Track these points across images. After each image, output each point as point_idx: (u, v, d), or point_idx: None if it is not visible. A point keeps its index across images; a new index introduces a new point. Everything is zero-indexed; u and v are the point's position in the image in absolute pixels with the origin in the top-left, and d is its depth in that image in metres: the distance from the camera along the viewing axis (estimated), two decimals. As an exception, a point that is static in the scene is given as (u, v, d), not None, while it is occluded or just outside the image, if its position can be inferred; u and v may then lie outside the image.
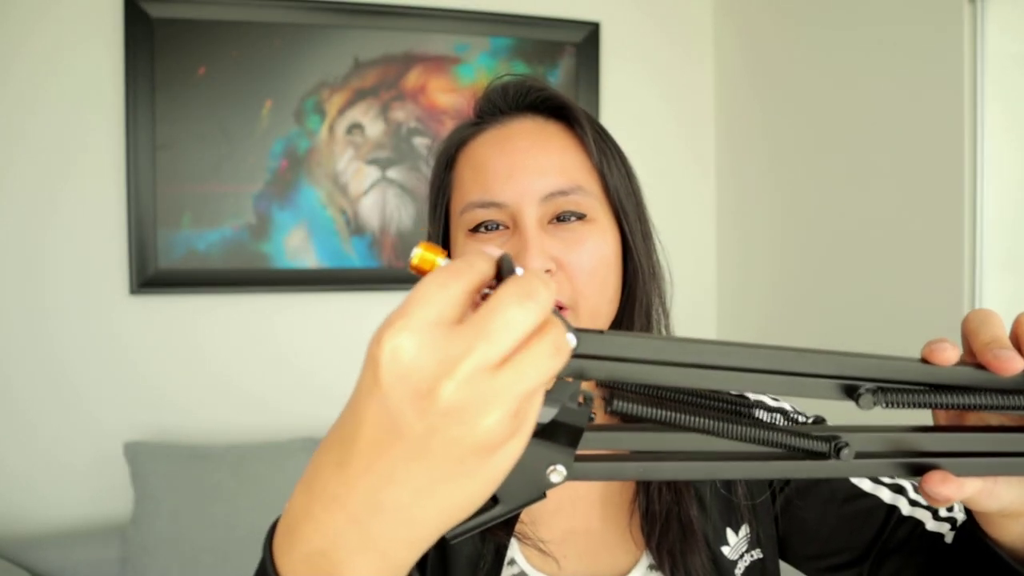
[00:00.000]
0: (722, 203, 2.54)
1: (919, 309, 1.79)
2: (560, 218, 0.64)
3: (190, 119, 2.11)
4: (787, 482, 0.70)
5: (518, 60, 2.35)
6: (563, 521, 0.69)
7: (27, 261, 2.03)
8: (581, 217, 0.64)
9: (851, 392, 0.39)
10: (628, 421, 0.38)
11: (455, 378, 0.30)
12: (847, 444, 0.38)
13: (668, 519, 0.66)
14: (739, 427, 0.38)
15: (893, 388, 0.39)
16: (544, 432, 0.37)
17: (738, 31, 2.46)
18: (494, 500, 0.38)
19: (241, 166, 2.15)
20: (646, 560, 0.67)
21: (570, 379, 0.37)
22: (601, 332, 0.36)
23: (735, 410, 0.39)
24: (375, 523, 0.32)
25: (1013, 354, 0.39)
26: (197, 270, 2.12)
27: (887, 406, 0.39)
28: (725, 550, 0.68)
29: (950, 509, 0.66)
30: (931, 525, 0.65)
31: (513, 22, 2.34)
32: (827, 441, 0.39)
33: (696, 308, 2.46)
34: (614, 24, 2.44)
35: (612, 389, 0.38)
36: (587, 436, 0.38)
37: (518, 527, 0.68)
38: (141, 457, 1.94)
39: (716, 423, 0.38)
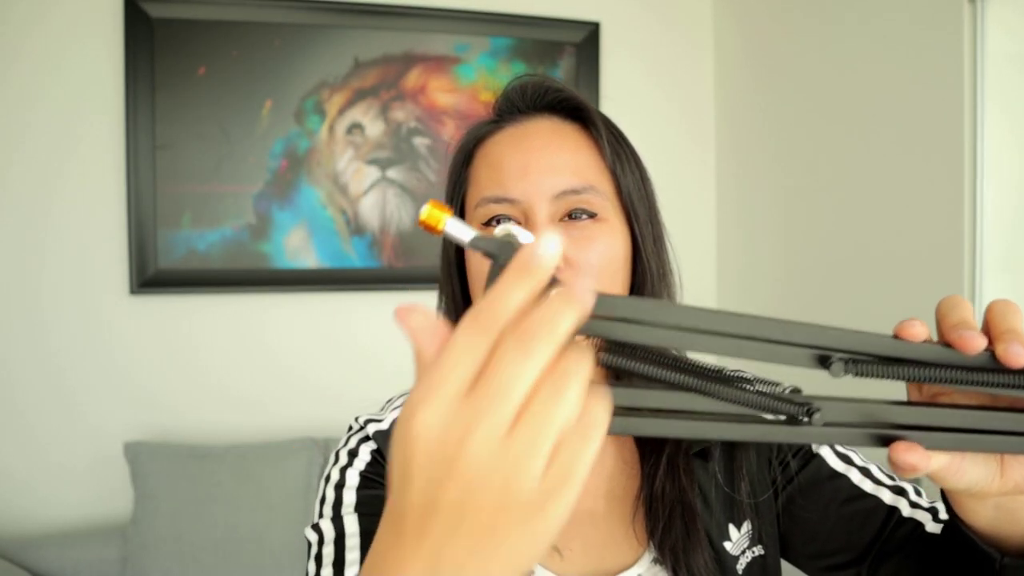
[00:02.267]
0: (722, 203, 2.54)
1: (919, 309, 1.79)
2: (571, 216, 0.65)
3: (190, 119, 2.11)
4: (790, 480, 0.71)
5: (518, 60, 2.35)
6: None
7: (27, 261, 2.03)
8: (592, 216, 0.65)
9: (824, 361, 0.40)
10: (616, 376, 0.39)
11: (471, 449, 0.31)
12: (819, 409, 0.40)
13: (671, 515, 0.66)
14: (719, 385, 0.39)
15: (863, 359, 0.41)
16: None
17: (738, 32, 2.46)
18: None
19: (241, 166, 2.15)
20: (649, 555, 0.67)
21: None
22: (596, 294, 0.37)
23: (715, 375, 0.40)
24: None
25: (977, 334, 0.41)
26: (197, 270, 2.12)
27: (856, 375, 0.41)
28: (727, 545, 0.68)
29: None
30: (931, 527, 0.65)
31: (513, 22, 2.34)
32: (800, 405, 0.40)
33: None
34: (614, 24, 2.44)
35: (601, 344, 0.39)
36: None
37: None
38: (141, 457, 1.94)
39: (698, 380, 0.39)
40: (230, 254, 2.15)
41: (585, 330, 0.38)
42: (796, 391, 0.41)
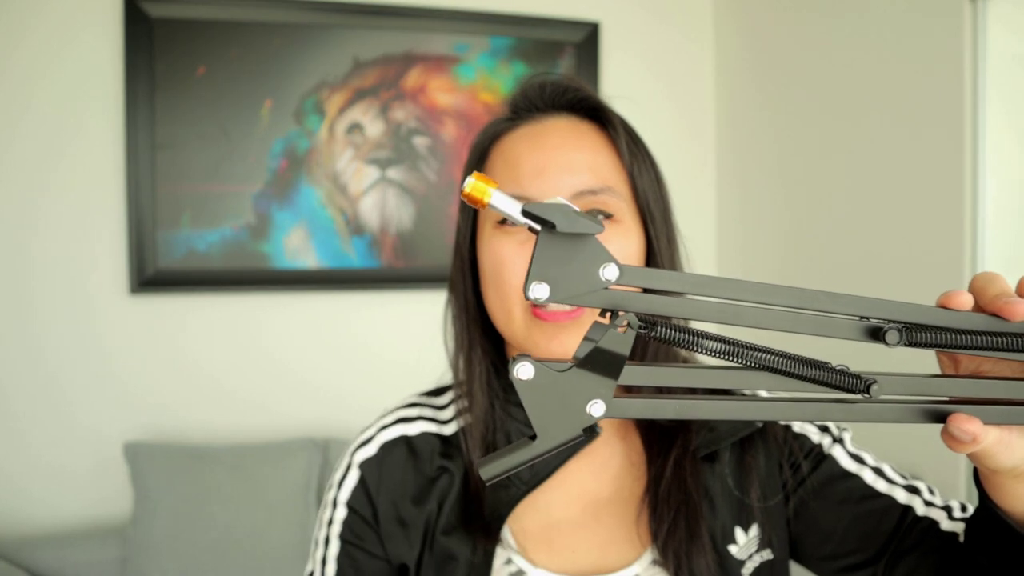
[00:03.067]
0: (722, 204, 2.54)
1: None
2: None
3: (190, 119, 2.11)
4: (801, 482, 0.70)
5: (518, 60, 2.35)
6: (572, 513, 0.70)
7: (27, 261, 2.03)
8: (608, 217, 0.65)
9: (876, 333, 0.40)
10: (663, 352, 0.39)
11: None
12: (875, 381, 0.39)
13: (676, 517, 0.66)
14: (774, 356, 0.39)
15: (917, 328, 0.40)
16: (585, 361, 0.37)
17: (739, 31, 2.46)
18: (532, 437, 0.38)
19: (241, 166, 2.15)
20: (649, 556, 0.67)
21: (608, 314, 0.38)
22: (642, 267, 0.37)
23: (766, 349, 0.39)
24: None
25: (1021, 301, 0.41)
26: (197, 270, 2.12)
27: (910, 344, 0.40)
28: (733, 549, 0.68)
29: (963, 509, 0.66)
30: (946, 525, 0.64)
31: (513, 22, 2.33)
32: (857, 378, 0.40)
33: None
34: (614, 24, 2.44)
35: (651, 319, 0.39)
36: (626, 370, 0.38)
37: (517, 529, 0.68)
38: (141, 457, 1.94)
39: (754, 353, 0.38)
40: (230, 254, 2.15)
41: (634, 305, 0.38)
42: (844, 369, 0.40)
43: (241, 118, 2.14)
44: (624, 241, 0.65)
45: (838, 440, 0.72)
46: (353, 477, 0.72)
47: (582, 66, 2.38)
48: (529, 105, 0.70)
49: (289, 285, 2.20)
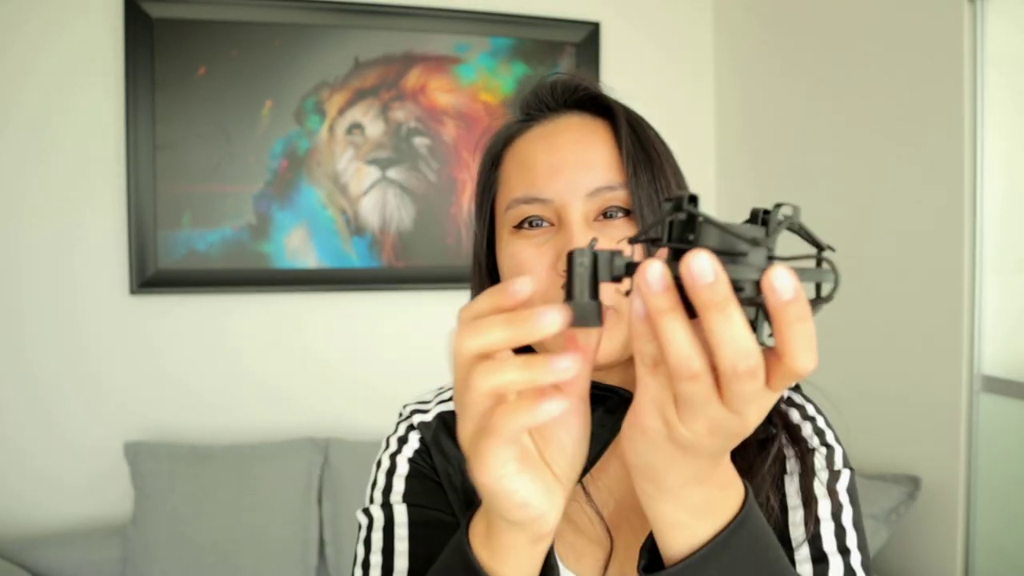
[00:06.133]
0: (722, 206, 2.54)
1: (919, 309, 1.79)
2: (606, 214, 0.63)
3: (190, 119, 2.11)
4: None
5: (518, 60, 2.35)
6: (603, 515, 0.68)
7: (27, 261, 2.03)
8: (628, 213, 0.63)
9: None
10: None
11: None
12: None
13: None
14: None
15: None
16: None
17: (738, 31, 2.46)
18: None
19: (241, 166, 2.15)
20: None
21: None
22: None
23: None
24: None
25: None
26: (197, 270, 2.12)
27: None
28: None
29: None
30: None
31: (513, 22, 2.34)
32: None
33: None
34: (614, 24, 2.44)
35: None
36: None
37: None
38: (141, 457, 1.94)
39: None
40: (230, 254, 2.15)
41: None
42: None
43: (241, 118, 2.14)
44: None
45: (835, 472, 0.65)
46: (415, 437, 0.72)
47: (582, 66, 2.38)
48: (540, 105, 0.69)
49: (289, 285, 2.20)
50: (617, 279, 0.40)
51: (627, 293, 0.40)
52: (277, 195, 2.18)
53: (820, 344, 0.45)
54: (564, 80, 0.69)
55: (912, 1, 1.79)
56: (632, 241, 0.41)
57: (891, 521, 1.73)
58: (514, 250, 0.64)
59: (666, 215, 0.39)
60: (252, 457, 1.99)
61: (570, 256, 0.40)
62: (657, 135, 0.69)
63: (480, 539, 0.48)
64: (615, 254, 0.40)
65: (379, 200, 2.26)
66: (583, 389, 0.45)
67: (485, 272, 0.70)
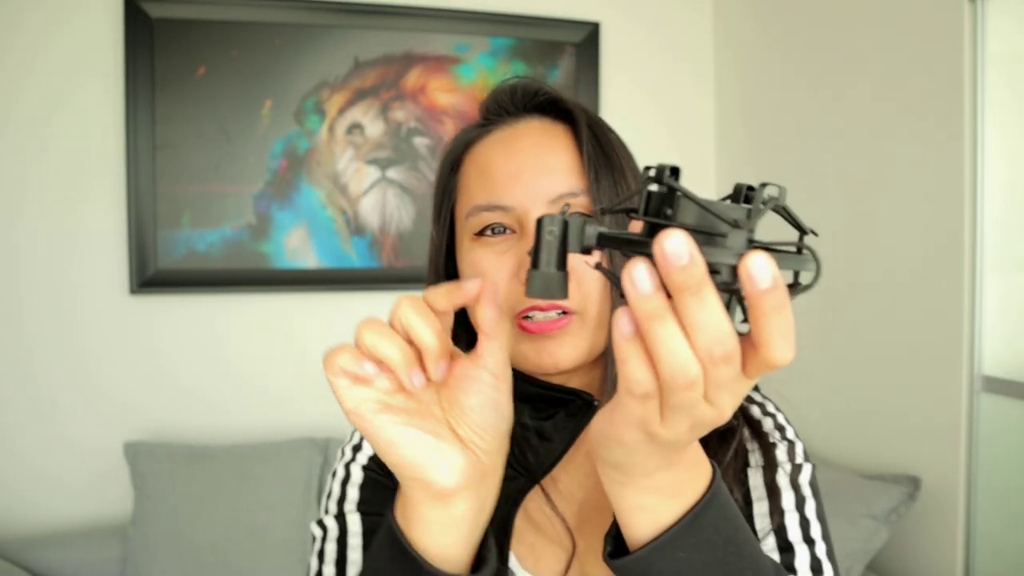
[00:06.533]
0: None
1: (919, 309, 1.79)
2: None
3: (190, 119, 2.11)
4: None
5: (518, 60, 2.35)
6: (563, 516, 0.67)
7: (27, 260, 2.03)
8: (588, 219, 0.61)
9: None
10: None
11: None
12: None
13: None
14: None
15: None
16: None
17: (737, 31, 2.46)
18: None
19: (241, 166, 2.15)
20: None
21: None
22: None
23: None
24: None
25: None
26: (197, 270, 2.12)
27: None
28: None
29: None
30: None
31: (513, 22, 2.34)
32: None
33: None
34: (614, 24, 2.44)
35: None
36: None
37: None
38: (141, 457, 1.94)
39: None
40: (230, 254, 2.15)
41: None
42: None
43: (241, 118, 2.14)
44: None
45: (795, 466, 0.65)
46: (369, 444, 0.71)
47: (582, 66, 2.38)
48: (500, 110, 0.67)
49: (289, 285, 2.20)
50: (587, 250, 0.38)
51: (596, 266, 0.39)
52: (277, 195, 2.18)
53: (820, 344, 0.45)
54: (524, 84, 0.67)
55: (912, 1, 1.79)
56: (606, 211, 0.41)
57: (891, 521, 1.73)
58: (475, 258, 0.63)
59: (644, 185, 0.37)
60: (252, 457, 1.99)
61: (539, 222, 0.39)
62: (618, 139, 0.67)
63: (400, 508, 0.51)
64: (587, 221, 0.38)
65: (379, 200, 2.26)
66: (495, 365, 0.49)
67: (444, 278, 0.68)
